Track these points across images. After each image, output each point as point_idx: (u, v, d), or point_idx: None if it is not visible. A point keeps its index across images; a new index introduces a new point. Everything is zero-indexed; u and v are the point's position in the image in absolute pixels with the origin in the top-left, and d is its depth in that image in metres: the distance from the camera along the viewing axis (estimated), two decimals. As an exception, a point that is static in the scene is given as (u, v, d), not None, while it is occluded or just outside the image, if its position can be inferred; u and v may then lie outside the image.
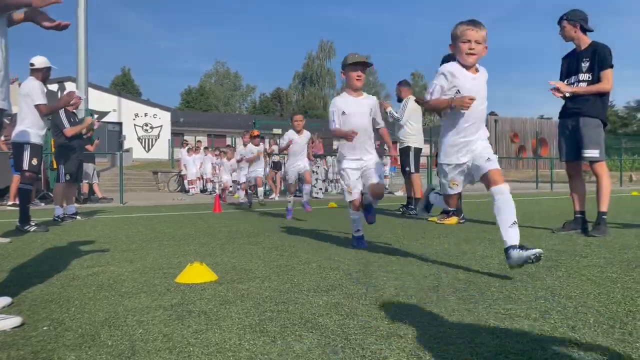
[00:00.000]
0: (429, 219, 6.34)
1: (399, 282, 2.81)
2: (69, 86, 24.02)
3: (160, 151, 29.39)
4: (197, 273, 2.91)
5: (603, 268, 3.14)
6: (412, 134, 7.56)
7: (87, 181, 11.64)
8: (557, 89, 4.72)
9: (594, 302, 2.34)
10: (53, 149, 7.78)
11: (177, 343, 1.84)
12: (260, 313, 2.22)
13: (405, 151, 7.63)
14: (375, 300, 2.42)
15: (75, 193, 8.49)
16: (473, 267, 3.23)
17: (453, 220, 6.06)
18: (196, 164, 17.11)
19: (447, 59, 6.36)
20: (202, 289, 2.71)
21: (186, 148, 17.79)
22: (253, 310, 2.26)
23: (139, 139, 29.62)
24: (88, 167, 11.48)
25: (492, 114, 33.73)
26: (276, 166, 13.86)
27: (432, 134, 23.17)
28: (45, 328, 2.05)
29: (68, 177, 6.90)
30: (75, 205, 7.80)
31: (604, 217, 4.72)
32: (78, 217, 7.15)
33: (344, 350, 1.75)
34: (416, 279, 2.91)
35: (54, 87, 25.38)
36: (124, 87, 51.52)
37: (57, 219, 6.75)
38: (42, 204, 10.62)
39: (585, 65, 4.75)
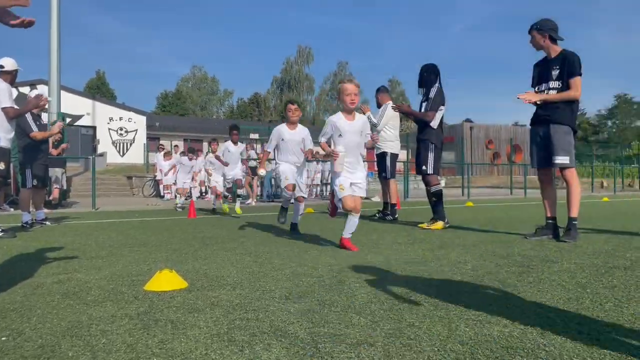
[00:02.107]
0: (419, 226, 6.35)
1: (371, 289, 2.79)
2: (41, 89, 23.54)
3: (135, 156, 28.97)
4: (166, 280, 2.85)
5: (573, 273, 3.18)
6: (390, 139, 7.60)
7: (57, 186, 11.40)
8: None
9: (563, 307, 2.36)
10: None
11: (140, 353, 1.78)
12: (230, 321, 2.17)
13: (382, 157, 7.66)
14: (347, 307, 2.40)
15: (44, 198, 8.28)
16: (446, 273, 3.23)
17: (439, 225, 6.10)
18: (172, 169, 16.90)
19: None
20: (171, 296, 2.65)
21: (162, 152, 17.57)
22: (222, 319, 2.21)
23: (113, 143, 29.16)
24: (56, 172, 11.25)
25: (467, 120, 34.20)
26: (253, 171, 13.78)
27: (409, 140, 23.35)
28: (3, 339, 1.97)
29: (35, 182, 6.73)
30: (45, 210, 7.61)
31: (574, 222, 4.79)
32: (47, 223, 6.98)
33: (312, 359, 1.72)
34: (389, 285, 2.89)
35: (25, 89, 24.85)
36: (99, 90, 50.78)
37: (25, 225, 6.57)
38: (12, 209, 10.37)
39: (555, 73, 4.83)
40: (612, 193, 20.51)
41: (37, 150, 6.78)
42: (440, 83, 6.31)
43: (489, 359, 1.70)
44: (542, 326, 2.06)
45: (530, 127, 5.16)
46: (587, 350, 1.78)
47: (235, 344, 1.88)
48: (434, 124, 6.24)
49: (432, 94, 6.24)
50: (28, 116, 6.59)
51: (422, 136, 6.35)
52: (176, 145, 19.46)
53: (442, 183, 26.29)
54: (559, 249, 4.29)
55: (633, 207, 11.00)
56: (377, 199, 14.15)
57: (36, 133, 6.64)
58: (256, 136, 17.27)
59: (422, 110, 6.31)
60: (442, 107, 6.27)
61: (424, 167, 6.28)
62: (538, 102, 4.85)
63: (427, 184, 6.36)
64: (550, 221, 4.99)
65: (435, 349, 1.80)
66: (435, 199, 6.27)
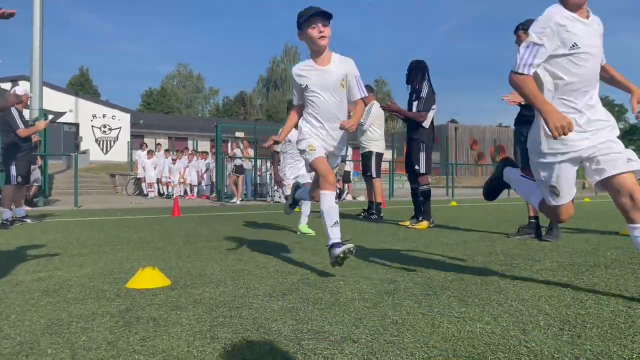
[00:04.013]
0: (401, 224, 6.39)
1: (355, 286, 2.79)
2: (23, 85, 23.20)
3: (119, 153, 28.68)
4: (149, 278, 2.82)
5: (555, 272, 3.21)
6: (375, 139, 7.60)
7: (36, 183, 11.27)
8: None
9: (544, 305, 2.38)
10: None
11: (121, 351, 1.76)
12: (212, 319, 2.16)
13: (367, 156, 7.67)
14: (330, 304, 2.39)
15: (25, 196, 8.16)
16: (429, 271, 3.25)
17: (424, 224, 6.13)
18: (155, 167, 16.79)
19: (416, 65, 6.40)
20: (154, 294, 2.62)
21: (146, 150, 17.42)
22: (205, 316, 2.20)
23: (96, 140, 28.82)
24: (35, 169, 11.13)
25: (452, 121, 34.49)
26: (238, 170, 13.72)
27: (395, 140, 23.41)
28: (-20, 336, 1.93)
29: (20, 179, 6.64)
30: (26, 208, 7.50)
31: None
32: (28, 221, 6.87)
33: (295, 355, 1.71)
34: (373, 282, 2.90)
35: (7, 85, 24.49)
36: (82, 87, 50.12)
37: (5, 222, 6.47)
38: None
39: (540, 74, 4.87)
40: (593, 194, 20.80)
41: (21, 147, 6.69)
42: (429, 81, 6.29)
43: (471, 356, 1.70)
44: (524, 323, 2.08)
45: (514, 127, 5.21)
46: (568, 347, 1.80)
47: (218, 341, 1.86)
48: (426, 123, 6.26)
49: (423, 93, 6.19)
50: (15, 112, 6.50)
51: (414, 135, 6.33)
52: (159, 144, 19.30)
53: (427, 183, 26.21)
54: (541, 247, 4.34)
55: (614, 207, 11.15)
56: (363, 198, 14.19)
57: (21, 130, 6.55)
58: (242, 134, 17.18)
59: (414, 109, 6.28)
60: (434, 107, 6.28)
61: (416, 167, 6.27)
62: (522, 103, 4.90)
63: (418, 182, 6.38)
64: (532, 220, 5.04)
65: (418, 345, 1.80)
66: (424, 198, 6.31)
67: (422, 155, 6.27)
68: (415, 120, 6.23)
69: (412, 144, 6.36)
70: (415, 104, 6.27)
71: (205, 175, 16.48)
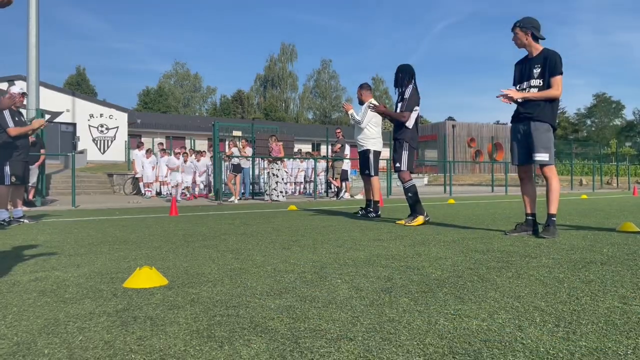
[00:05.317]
0: (397, 222, 6.46)
1: (352, 284, 2.80)
2: (19, 85, 23.15)
3: (116, 153, 28.66)
4: (146, 277, 2.82)
5: (551, 268, 3.22)
6: (372, 137, 7.63)
7: (32, 185, 11.28)
8: (505, 95, 4.87)
9: (541, 301, 2.39)
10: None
11: (118, 350, 1.76)
12: (210, 318, 2.16)
13: (365, 154, 7.69)
14: (327, 302, 2.40)
15: (23, 196, 8.14)
16: (426, 269, 3.25)
17: (419, 220, 6.19)
18: (152, 166, 16.75)
19: (404, 68, 6.65)
20: (151, 293, 2.62)
21: (143, 150, 17.39)
22: (202, 315, 2.20)
23: (93, 140, 28.78)
24: (33, 169, 11.12)
25: (449, 119, 34.55)
26: (235, 169, 13.71)
27: (392, 139, 23.30)
28: (-23, 337, 1.93)
29: (14, 179, 6.63)
30: (24, 208, 7.48)
31: (553, 219, 4.86)
32: (25, 221, 6.86)
33: (292, 354, 1.71)
34: (370, 280, 2.90)
35: (3, 85, 24.44)
36: (79, 87, 50.04)
37: (2, 222, 6.46)
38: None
39: (536, 71, 4.89)
40: (590, 190, 20.85)
41: (14, 146, 6.67)
42: (415, 83, 6.56)
43: (467, 352, 1.71)
44: (520, 320, 2.08)
45: (511, 124, 5.23)
46: (563, 343, 1.80)
47: (215, 340, 1.87)
48: (409, 124, 6.52)
49: (407, 94, 6.51)
50: (6, 112, 6.48)
51: (398, 135, 6.67)
52: (161, 143, 19.26)
53: (425, 180, 26.44)
54: (538, 244, 4.35)
55: (610, 204, 11.20)
56: (360, 196, 14.19)
57: (11, 129, 6.53)
58: (239, 133, 17.14)
59: (398, 110, 6.57)
60: (416, 108, 6.57)
61: (397, 164, 6.56)
62: (519, 100, 4.91)
63: (401, 180, 6.60)
64: (529, 217, 5.06)
65: (415, 342, 1.81)
66: (411, 194, 6.41)
67: (405, 154, 6.57)
68: (400, 121, 6.52)
69: (395, 144, 6.66)
70: (399, 105, 6.55)
71: (197, 176, 16.46)
